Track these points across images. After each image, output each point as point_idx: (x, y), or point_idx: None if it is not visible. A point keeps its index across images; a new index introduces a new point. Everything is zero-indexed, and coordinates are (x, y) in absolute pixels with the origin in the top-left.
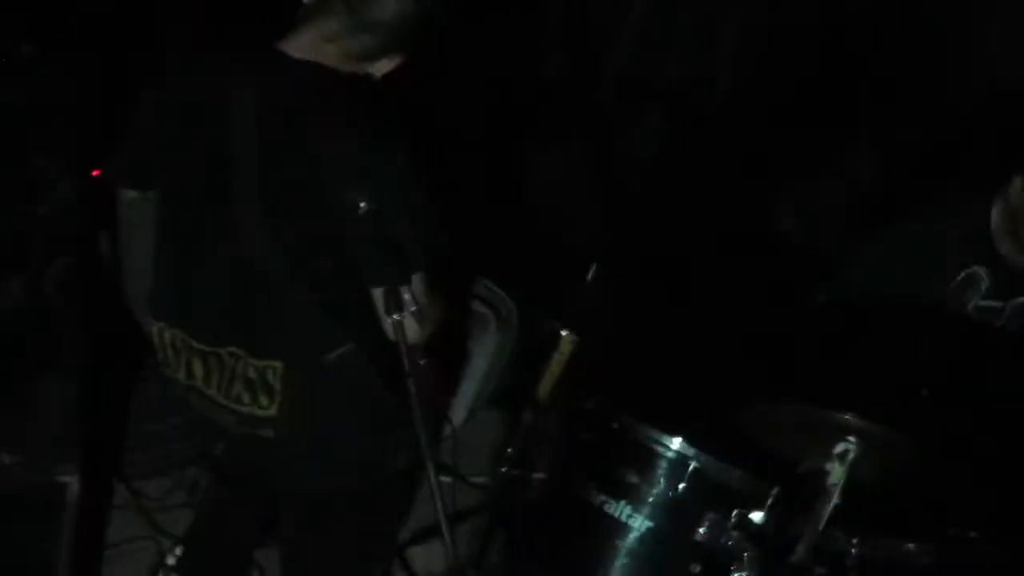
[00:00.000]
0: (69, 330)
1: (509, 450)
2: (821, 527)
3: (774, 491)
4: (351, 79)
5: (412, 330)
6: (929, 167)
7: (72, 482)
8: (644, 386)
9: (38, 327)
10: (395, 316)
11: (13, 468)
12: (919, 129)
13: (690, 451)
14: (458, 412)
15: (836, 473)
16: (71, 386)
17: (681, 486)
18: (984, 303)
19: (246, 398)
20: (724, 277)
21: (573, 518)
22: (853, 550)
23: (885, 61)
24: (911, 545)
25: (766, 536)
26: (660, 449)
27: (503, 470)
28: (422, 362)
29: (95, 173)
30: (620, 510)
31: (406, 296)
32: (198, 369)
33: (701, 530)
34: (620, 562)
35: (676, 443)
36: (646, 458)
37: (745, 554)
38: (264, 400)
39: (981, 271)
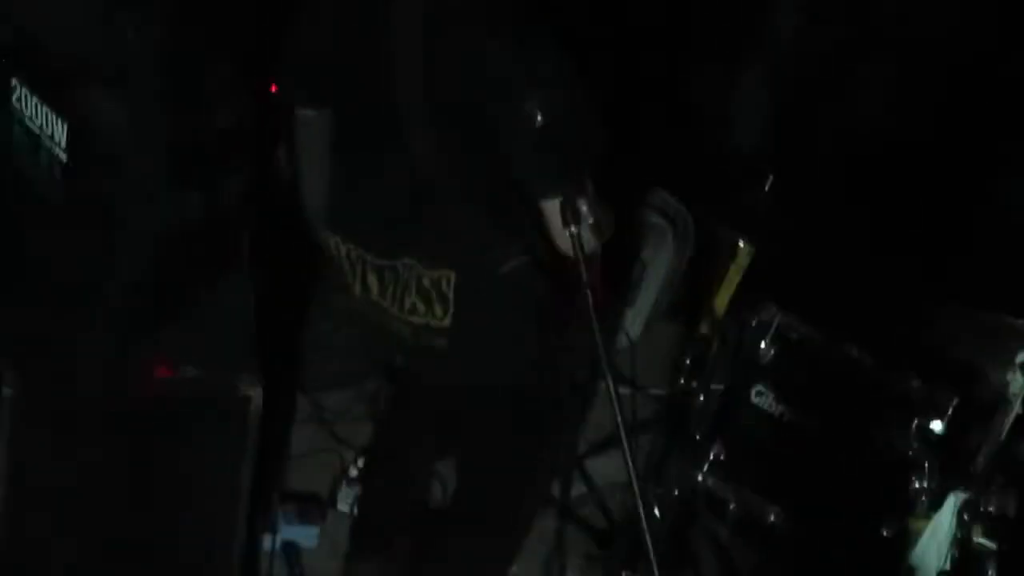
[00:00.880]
0: (248, 243)
1: (687, 361)
2: (1002, 437)
3: (954, 400)
4: None
5: (589, 241)
6: None
7: (255, 394)
8: (822, 296)
9: (217, 240)
10: (572, 228)
11: (196, 381)
12: None
13: (869, 360)
14: (636, 324)
15: (1018, 383)
16: (251, 299)
17: (861, 395)
18: None
19: (421, 308)
20: (901, 184)
21: (751, 429)
22: None
23: None
24: None
25: (947, 445)
26: (838, 358)
27: (681, 381)
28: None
29: (272, 88)
30: (798, 420)
31: (583, 208)
32: (373, 282)
33: (881, 440)
34: (799, 473)
35: (855, 352)
36: (824, 368)
37: (926, 463)
38: (439, 310)
39: None
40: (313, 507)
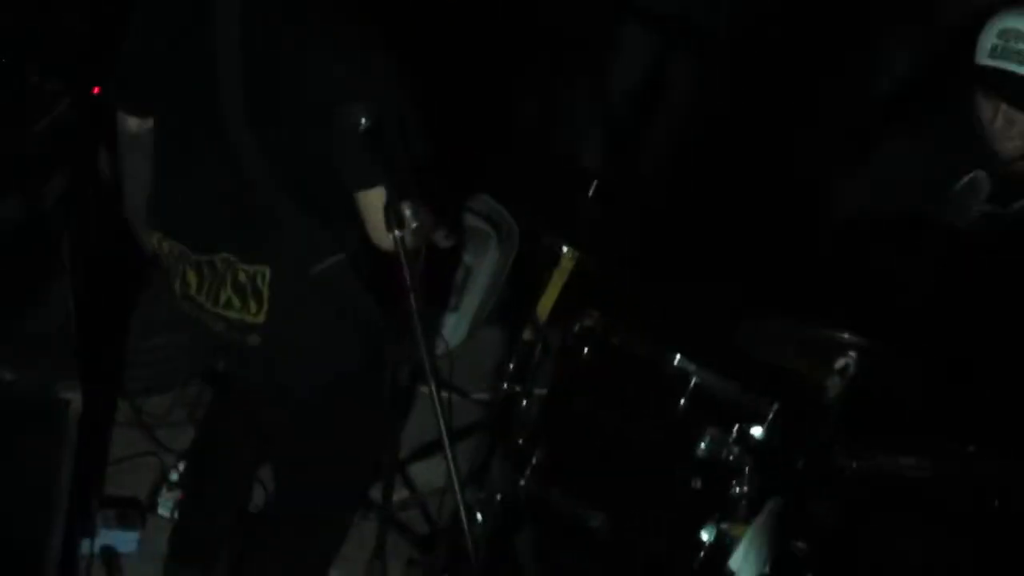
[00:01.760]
0: (68, 247)
1: (510, 367)
2: (821, 442)
3: (775, 406)
4: None
5: (412, 244)
6: (924, 78)
7: (74, 398)
8: (644, 302)
9: (37, 243)
10: (397, 232)
11: (14, 385)
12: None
13: (690, 366)
14: (460, 329)
15: (836, 387)
16: (71, 303)
17: (681, 401)
18: (984, 208)
19: (236, 303)
20: (725, 194)
21: (573, 434)
22: (853, 464)
23: None
24: (910, 459)
25: (767, 451)
26: (660, 364)
27: (504, 387)
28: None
29: (94, 90)
30: (620, 426)
31: (407, 212)
32: (192, 278)
33: (702, 445)
34: (620, 478)
35: (676, 358)
36: (646, 373)
37: (746, 468)
38: (253, 306)
39: (983, 174)
40: (133, 512)
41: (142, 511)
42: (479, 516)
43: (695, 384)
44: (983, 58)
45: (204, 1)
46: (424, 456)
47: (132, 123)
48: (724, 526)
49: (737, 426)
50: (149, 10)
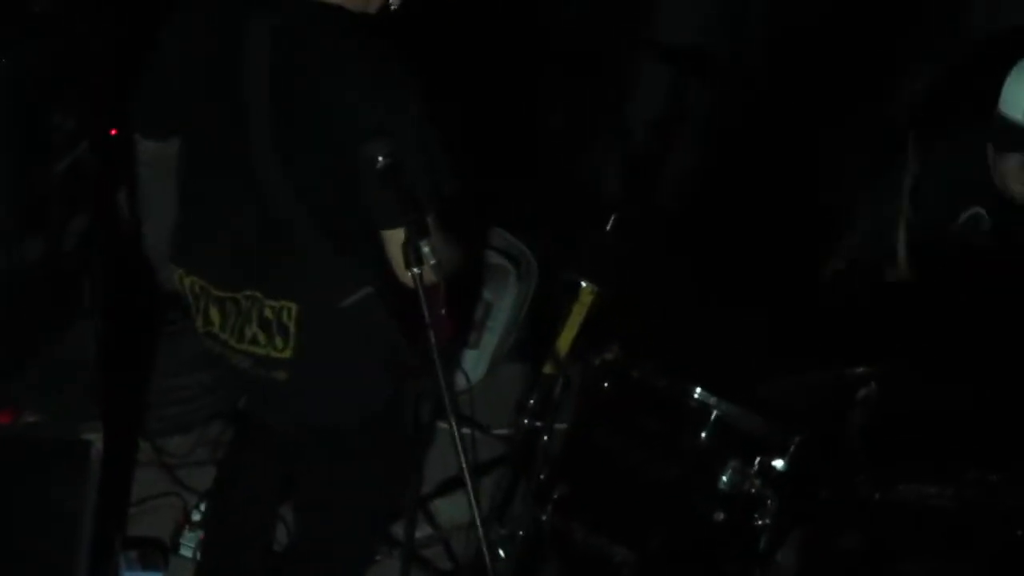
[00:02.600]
0: (91, 287)
1: (531, 402)
2: (843, 473)
3: (796, 438)
4: (361, 17)
5: (430, 279)
6: (925, 112)
7: (96, 439)
8: (664, 335)
9: (58, 284)
10: (415, 269)
11: (37, 426)
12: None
13: (711, 399)
14: (480, 365)
15: (857, 418)
16: (93, 344)
17: (703, 434)
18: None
19: (261, 339)
20: (746, 225)
21: (595, 469)
22: (876, 495)
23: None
24: (933, 489)
25: (789, 483)
26: (682, 397)
27: (525, 422)
28: (442, 312)
29: (113, 132)
30: (642, 459)
31: (425, 249)
32: (215, 315)
33: (724, 478)
34: (643, 512)
35: (697, 391)
36: (667, 407)
37: (768, 501)
38: (279, 342)
39: (983, 213)
40: (155, 552)
41: (165, 552)
42: (502, 552)
43: (716, 417)
44: (1013, 112)
45: (233, 33)
46: (446, 492)
47: (149, 145)
48: (749, 559)
49: (759, 458)
50: (176, 39)
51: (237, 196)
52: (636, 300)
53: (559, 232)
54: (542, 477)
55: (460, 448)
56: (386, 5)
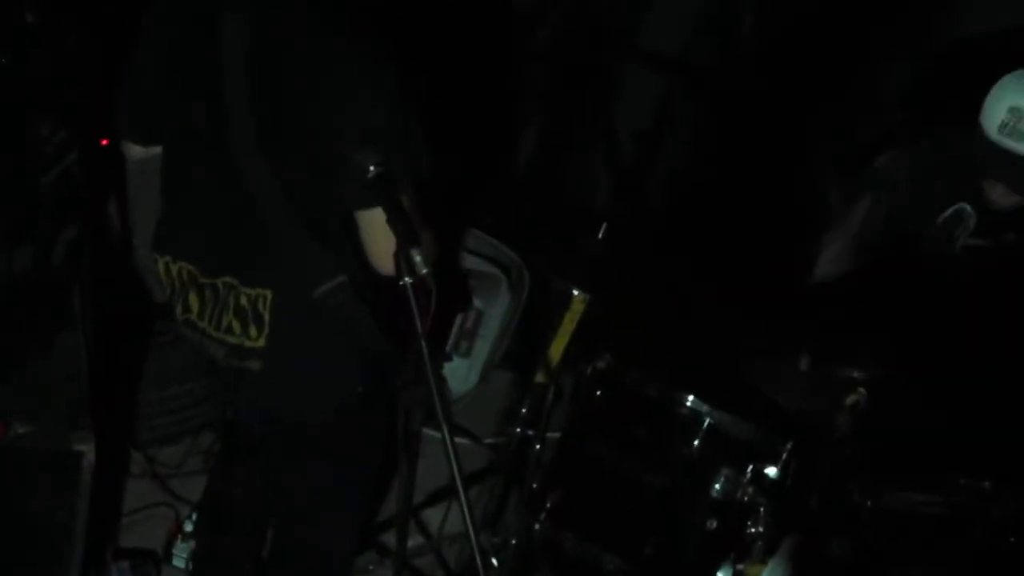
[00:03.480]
0: (80, 298)
1: (522, 411)
2: (835, 480)
3: (788, 445)
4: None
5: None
6: (914, 105)
7: (87, 450)
8: (656, 343)
9: (48, 295)
10: (407, 279)
11: (28, 438)
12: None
13: (703, 407)
14: (472, 374)
15: (847, 425)
16: (83, 355)
17: (695, 442)
18: (972, 241)
19: (236, 328)
20: (735, 234)
21: (587, 477)
22: (867, 502)
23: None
24: (924, 496)
25: (781, 490)
26: (673, 406)
27: (517, 431)
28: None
29: (103, 142)
30: (635, 468)
31: (417, 258)
32: (194, 303)
33: (716, 486)
34: (635, 520)
35: (689, 399)
36: (660, 415)
37: (760, 508)
38: (254, 331)
39: (968, 208)
40: (148, 563)
41: (157, 562)
42: (494, 561)
43: (708, 425)
44: (992, 132)
45: (209, 24)
46: (438, 502)
47: (136, 151)
48: (740, 566)
49: (751, 466)
50: (152, 38)
51: (216, 184)
52: (628, 308)
53: (550, 240)
54: (534, 486)
55: (452, 457)
56: None
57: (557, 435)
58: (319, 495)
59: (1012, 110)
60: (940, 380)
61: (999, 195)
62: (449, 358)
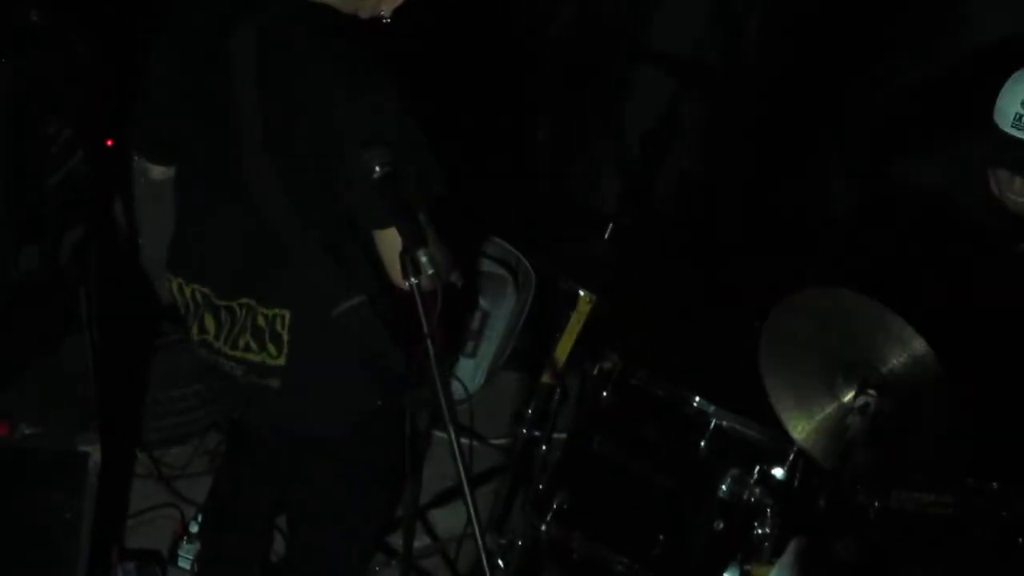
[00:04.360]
0: (87, 299)
1: (529, 411)
2: (842, 481)
3: (795, 446)
4: (351, 19)
5: (428, 288)
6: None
7: (93, 451)
8: (663, 344)
9: (54, 296)
10: (412, 279)
11: (34, 438)
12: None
13: (710, 408)
14: (479, 374)
15: (855, 426)
16: (89, 355)
17: (702, 443)
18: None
19: (254, 346)
20: (742, 234)
21: (594, 478)
22: (874, 502)
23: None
24: (932, 497)
25: (788, 491)
26: (680, 406)
27: (523, 431)
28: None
29: (108, 142)
30: (641, 468)
31: (423, 259)
32: (210, 324)
33: (723, 486)
34: (642, 520)
35: (696, 400)
36: (666, 416)
37: (767, 509)
38: (272, 349)
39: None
40: (153, 564)
41: (162, 564)
42: (501, 562)
43: (715, 425)
44: (1006, 126)
45: (220, 48)
46: (445, 502)
47: (156, 172)
48: (747, 567)
49: (758, 467)
50: (165, 58)
51: (231, 203)
52: (634, 309)
53: (557, 241)
54: (541, 486)
55: (458, 458)
56: (378, 15)
57: (563, 436)
58: (334, 506)
59: None
60: (953, 382)
61: (1017, 191)
62: (456, 359)
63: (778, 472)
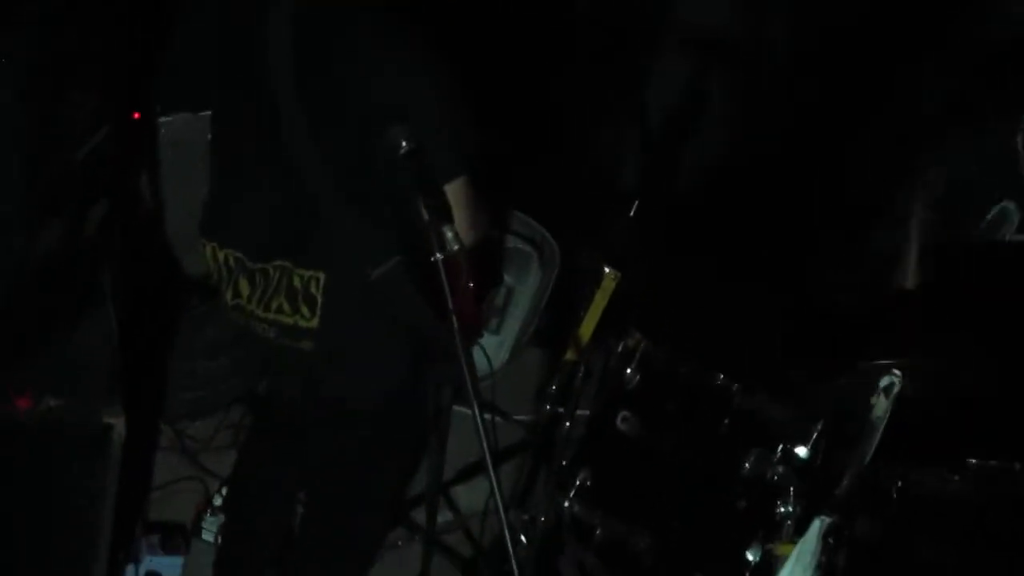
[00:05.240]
0: (111, 273)
1: (552, 388)
2: (866, 461)
3: (819, 426)
4: None
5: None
6: (951, 104)
7: (118, 424)
8: (687, 322)
9: (79, 270)
10: (438, 255)
11: (58, 410)
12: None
13: (734, 386)
14: (503, 351)
15: (881, 406)
16: (114, 329)
17: (725, 421)
18: (1019, 238)
19: (287, 308)
20: (768, 211)
21: (617, 455)
22: (897, 483)
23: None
24: (956, 477)
25: (811, 470)
26: (704, 385)
27: (547, 408)
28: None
29: (135, 115)
30: (664, 446)
31: (449, 234)
32: (244, 286)
33: (746, 465)
34: (665, 498)
35: (720, 378)
36: (689, 394)
37: (791, 488)
38: (306, 311)
39: (1011, 206)
40: (177, 537)
41: (186, 536)
42: (523, 538)
43: (738, 404)
44: None
45: (256, 7)
46: (467, 478)
47: (177, 122)
48: (769, 546)
49: (781, 446)
50: (200, 15)
51: (268, 168)
52: (658, 286)
53: (582, 218)
54: (564, 463)
55: (482, 434)
56: None
57: (587, 413)
58: (357, 474)
59: None
60: (972, 362)
61: None
62: (479, 334)
63: (801, 451)
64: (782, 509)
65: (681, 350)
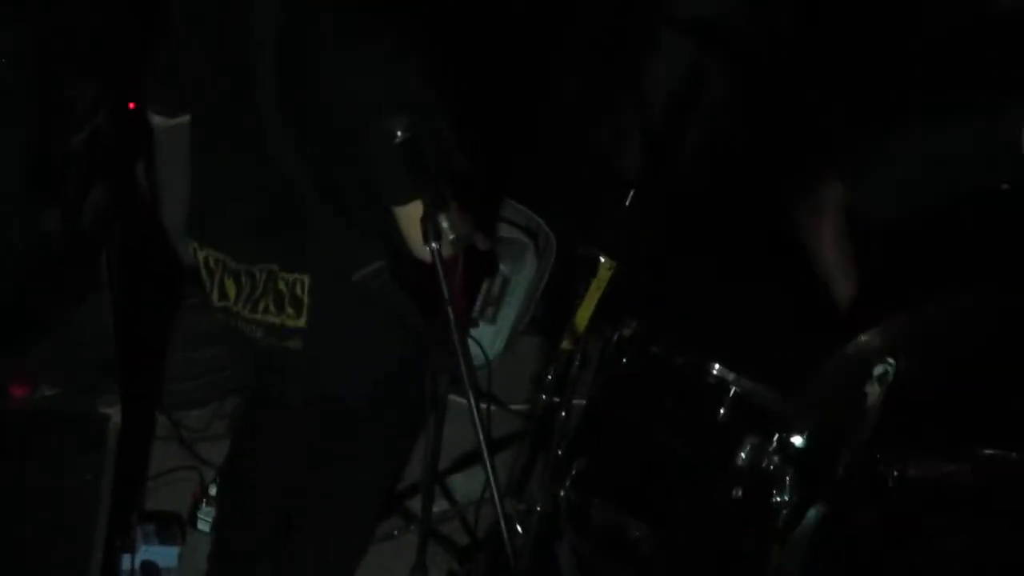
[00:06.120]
0: (108, 262)
1: (548, 377)
2: (861, 450)
3: (814, 414)
4: None
5: (448, 253)
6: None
7: (113, 413)
8: (683, 311)
9: (76, 258)
10: (433, 244)
11: (54, 400)
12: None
13: (730, 375)
14: (499, 340)
15: (875, 394)
16: (110, 317)
17: (721, 410)
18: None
19: (273, 309)
20: (765, 200)
21: (613, 445)
22: (894, 472)
23: None
24: (951, 465)
25: (807, 460)
26: (700, 374)
27: (543, 397)
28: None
29: (131, 105)
30: (660, 436)
31: (444, 224)
32: (230, 289)
33: (742, 454)
34: (661, 488)
35: (716, 367)
36: (686, 383)
37: (787, 477)
38: (292, 311)
39: (1007, 188)
40: (173, 527)
41: (182, 526)
42: (519, 527)
43: (735, 393)
44: None
45: (240, 11)
46: (463, 467)
47: (163, 121)
48: (766, 535)
49: (777, 435)
50: (184, 17)
51: (250, 169)
52: (655, 275)
53: (577, 207)
54: (560, 452)
55: (478, 423)
56: None
57: (583, 402)
58: (350, 465)
59: None
60: (966, 348)
61: None
62: (475, 324)
63: (797, 440)
64: (778, 498)
65: (677, 339)
